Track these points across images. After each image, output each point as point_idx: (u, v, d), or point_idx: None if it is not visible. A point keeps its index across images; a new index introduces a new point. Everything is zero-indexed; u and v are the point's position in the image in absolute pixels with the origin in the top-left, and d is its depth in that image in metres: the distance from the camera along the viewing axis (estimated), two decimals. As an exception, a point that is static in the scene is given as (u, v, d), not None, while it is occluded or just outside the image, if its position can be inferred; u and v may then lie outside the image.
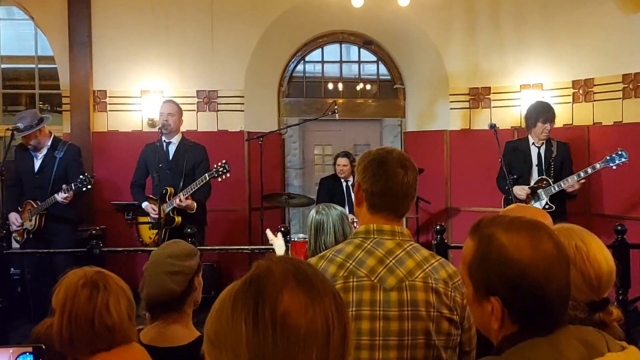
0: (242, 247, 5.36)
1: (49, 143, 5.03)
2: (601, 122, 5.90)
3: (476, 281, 1.25)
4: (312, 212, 3.20)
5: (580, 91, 6.01)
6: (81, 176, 4.78)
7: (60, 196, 4.80)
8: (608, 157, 4.82)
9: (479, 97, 6.52)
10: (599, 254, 1.54)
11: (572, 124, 6.06)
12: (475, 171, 5.73)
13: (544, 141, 5.17)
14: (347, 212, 3.97)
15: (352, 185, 6.14)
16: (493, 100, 6.47)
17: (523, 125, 5.55)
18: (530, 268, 1.18)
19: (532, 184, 5.15)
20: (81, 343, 1.79)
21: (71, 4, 6.14)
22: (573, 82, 6.04)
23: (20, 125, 4.84)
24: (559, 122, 6.01)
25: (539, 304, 1.19)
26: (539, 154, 5.19)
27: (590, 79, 5.94)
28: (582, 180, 4.92)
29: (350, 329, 0.94)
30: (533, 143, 5.22)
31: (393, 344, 1.68)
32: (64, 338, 1.79)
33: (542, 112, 5.12)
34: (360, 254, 1.74)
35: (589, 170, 4.87)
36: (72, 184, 4.77)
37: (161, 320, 2.12)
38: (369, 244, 1.76)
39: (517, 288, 1.19)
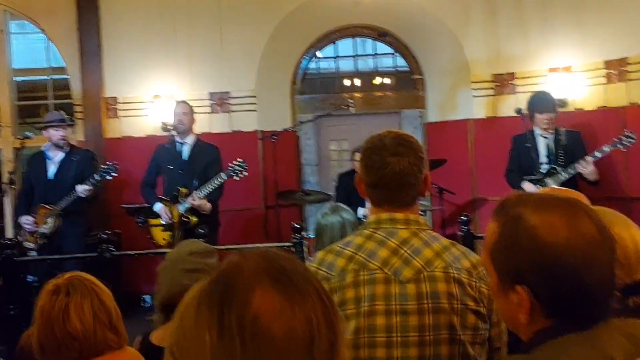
0: (258, 244, 5.25)
1: (67, 148, 5.12)
2: (637, 103, 5.61)
3: (500, 269, 1.10)
4: (319, 214, 3.04)
5: (614, 71, 5.72)
6: (107, 163, 4.84)
7: (81, 188, 4.80)
8: (616, 139, 4.75)
9: (503, 83, 6.30)
10: (624, 231, 1.39)
11: (605, 106, 5.77)
12: (502, 159, 5.51)
13: (552, 131, 5.04)
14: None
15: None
16: (518, 85, 6.23)
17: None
18: (566, 253, 1.02)
19: (541, 174, 5.01)
20: (51, 352, 1.70)
21: (80, 14, 6.23)
22: (605, 62, 5.75)
23: (53, 118, 5.04)
24: (592, 105, 5.78)
25: (577, 294, 1.03)
26: (547, 145, 5.06)
27: (623, 57, 5.65)
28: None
29: (342, 336, 0.79)
30: (540, 134, 5.09)
31: (413, 340, 1.55)
32: (37, 347, 1.73)
33: (538, 104, 5.03)
34: (370, 245, 1.62)
35: (597, 154, 4.76)
36: (96, 175, 4.82)
37: None
38: (380, 234, 1.63)
39: (550, 276, 1.03)
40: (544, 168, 5.02)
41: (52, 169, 5.06)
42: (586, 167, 4.77)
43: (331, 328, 0.77)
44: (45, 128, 5.09)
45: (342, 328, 0.79)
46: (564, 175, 4.85)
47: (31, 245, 4.99)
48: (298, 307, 0.75)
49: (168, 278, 2.00)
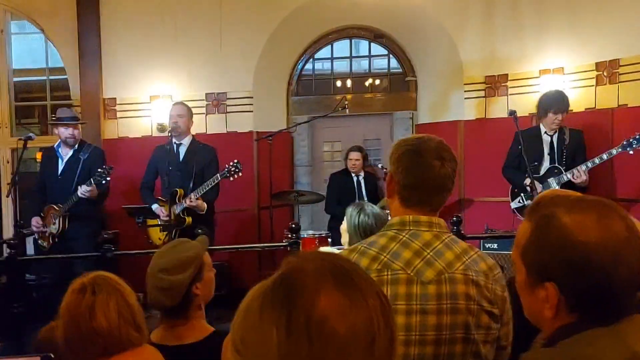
0: (252, 245, 5.32)
1: (76, 145, 5.10)
2: (627, 104, 5.63)
3: (530, 265, 1.14)
4: (353, 212, 2.95)
5: (605, 73, 5.75)
6: (99, 169, 4.82)
7: (82, 189, 4.80)
8: (625, 142, 4.67)
9: (495, 85, 6.32)
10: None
11: (594, 107, 5.81)
12: (491, 160, 5.55)
13: (556, 129, 5.04)
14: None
15: (364, 179, 6.02)
16: (510, 87, 6.25)
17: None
18: (597, 252, 1.05)
19: (542, 173, 5.02)
20: (76, 348, 1.77)
21: (80, 15, 6.24)
22: (597, 64, 5.78)
23: (63, 115, 5.01)
24: (581, 107, 5.82)
25: (604, 291, 1.06)
26: (551, 143, 5.07)
27: (615, 59, 5.68)
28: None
29: (397, 333, 0.83)
30: (545, 132, 5.08)
31: (430, 338, 1.60)
32: (62, 343, 1.79)
33: (554, 103, 4.99)
34: (395, 246, 1.65)
35: (605, 157, 4.73)
36: (92, 178, 4.80)
37: (169, 322, 2.09)
38: (404, 236, 1.66)
39: (579, 273, 1.07)
40: (545, 166, 5.03)
41: (61, 166, 5.06)
42: (579, 177, 4.78)
43: (389, 326, 0.80)
44: (55, 125, 5.09)
45: (396, 327, 0.83)
46: (566, 176, 4.86)
47: (45, 245, 5.06)
48: (360, 306, 0.78)
49: (148, 290, 2.08)
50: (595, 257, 1.05)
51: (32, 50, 6.99)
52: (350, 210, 2.98)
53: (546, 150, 5.05)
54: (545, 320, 1.13)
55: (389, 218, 1.82)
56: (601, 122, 5.66)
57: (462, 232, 4.41)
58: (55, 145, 5.14)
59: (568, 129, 5.08)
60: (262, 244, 5.52)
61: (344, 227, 3.04)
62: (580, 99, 5.86)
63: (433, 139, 1.72)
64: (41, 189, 5.13)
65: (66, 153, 5.07)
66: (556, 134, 5.05)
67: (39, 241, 5.06)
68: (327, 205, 5.88)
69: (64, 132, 5.01)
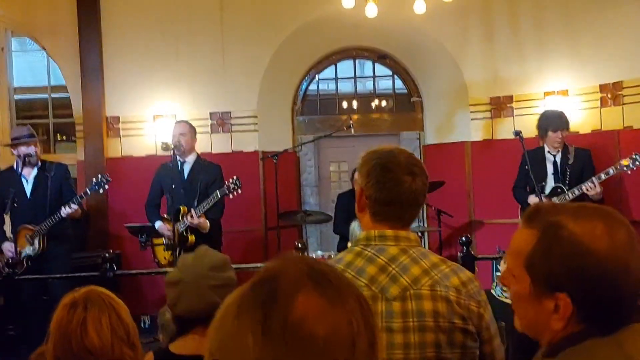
0: (257, 265, 5.24)
1: (39, 164, 4.96)
2: (632, 126, 5.69)
3: (537, 276, 1.09)
4: (358, 227, 2.92)
5: (609, 95, 5.81)
6: (98, 175, 4.75)
7: (66, 210, 4.70)
8: (622, 162, 4.74)
9: (500, 106, 6.36)
10: None
11: (600, 129, 5.85)
12: (499, 182, 5.56)
13: (560, 149, 5.05)
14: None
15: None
16: (516, 108, 6.29)
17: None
18: (608, 260, 1.04)
19: (547, 192, 5.02)
20: None
21: (82, 33, 6.21)
22: (600, 86, 5.84)
23: (22, 134, 4.86)
24: (587, 128, 5.86)
25: (614, 301, 1.05)
26: (554, 162, 5.07)
27: (618, 81, 5.74)
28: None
29: (380, 336, 0.80)
30: (548, 151, 5.10)
31: (398, 357, 1.54)
32: None
33: (551, 121, 5.02)
34: (359, 262, 1.61)
35: (602, 176, 4.75)
36: (86, 191, 4.74)
37: (199, 332, 1.96)
38: (370, 251, 1.62)
39: (593, 283, 1.05)
40: (550, 186, 5.02)
41: (29, 187, 4.90)
42: (593, 189, 4.73)
43: (370, 329, 0.78)
44: (14, 145, 4.90)
45: (378, 329, 0.81)
46: (569, 195, 4.84)
47: (16, 270, 4.82)
48: (339, 309, 0.76)
49: (193, 294, 1.96)
50: (607, 266, 1.04)
51: (34, 68, 6.94)
52: (355, 225, 2.95)
53: (550, 170, 5.06)
54: (551, 332, 1.10)
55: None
56: (607, 143, 5.69)
57: (472, 253, 4.37)
58: (14, 167, 4.94)
59: (574, 148, 5.08)
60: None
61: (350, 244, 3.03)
62: (586, 120, 5.92)
63: (403, 152, 1.69)
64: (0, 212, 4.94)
65: (29, 173, 4.92)
66: (560, 154, 5.05)
67: (6, 268, 4.72)
68: (336, 225, 5.82)
69: (25, 150, 4.84)
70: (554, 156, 5.07)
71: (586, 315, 1.07)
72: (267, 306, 0.75)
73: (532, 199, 4.95)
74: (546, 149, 5.10)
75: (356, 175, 1.75)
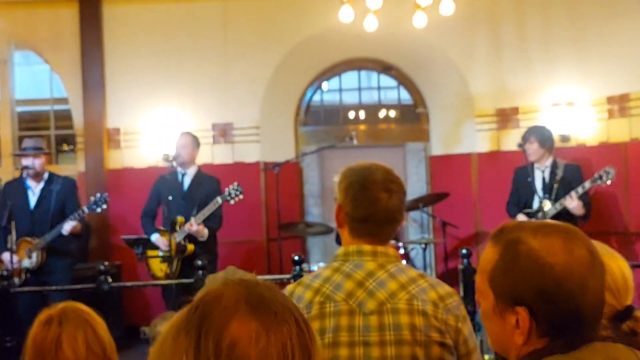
0: (259, 277, 5.17)
1: (46, 176, 4.96)
2: (638, 138, 5.65)
3: (499, 291, 1.12)
4: None
5: (616, 107, 5.76)
6: (97, 194, 4.72)
7: (66, 227, 4.67)
8: (596, 176, 4.76)
9: (506, 117, 6.33)
10: (611, 261, 1.48)
11: (607, 141, 5.81)
12: (505, 193, 5.51)
13: (549, 164, 5.06)
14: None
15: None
16: (522, 120, 6.24)
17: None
18: (565, 274, 1.07)
19: (535, 208, 5.04)
20: None
21: (84, 45, 6.22)
22: (607, 98, 5.80)
23: (29, 146, 4.88)
24: (595, 140, 5.85)
25: (573, 316, 1.08)
26: (543, 178, 5.08)
27: (625, 93, 5.70)
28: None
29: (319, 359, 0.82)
30: (537, 167, 5.11)
31: None
32: None
33: (527, 133, 5.11)
34: (337, 278, 1.65)
35: (579, 190, 4.77)
36: (85, 208, 4.71)
37: None
38: (347, 267, 1.66)
39: (550, 296, 1.07)
40: (537, 201, 5.03)
41: (33, 199, 4.90)
42: (571, 203, 4.75)
43: (306, 352, 0.79)
44: (22, 156, 4.92)
45: (318, 353, 0.82)
46: (551, 210, 4.86)
47: (16, 280, 4.80)
48: (274, 333, 0.78)
49: None
50: (564, 280, 1.06)
51: (37, 81, 6.94)
52: None
53: (538, 185, 5.07)
54: (514, 348, 1.12)
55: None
56: (615, 155, 5.64)
57: (474, 265, 4.31)
58: (22, 177, 4.95)
59: (564, 163, 5.08)
60: (267, 276, 5.38)
61: None
62: (593, 132, 5.88)
63: (380, 168, 1.71)
64: (5, 223, 4.85)
65: (35, 185, 4.92)
66: (548, 169, 5.06)
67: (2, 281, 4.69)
68: (337, 236, 5.76)
69: (24, 162, 4.85)
70: (543, 171, 5.08)
71: (547, 331, 1.08)
72: (202, 329, 0.77)
73: (521, 217, 4.95)
74: (535, 164, 5.11)
75: (335, 190, 1.77)
